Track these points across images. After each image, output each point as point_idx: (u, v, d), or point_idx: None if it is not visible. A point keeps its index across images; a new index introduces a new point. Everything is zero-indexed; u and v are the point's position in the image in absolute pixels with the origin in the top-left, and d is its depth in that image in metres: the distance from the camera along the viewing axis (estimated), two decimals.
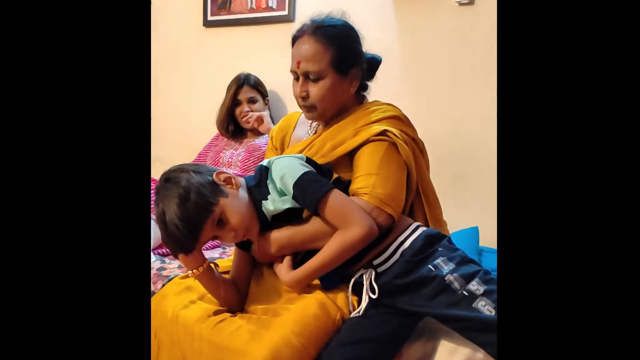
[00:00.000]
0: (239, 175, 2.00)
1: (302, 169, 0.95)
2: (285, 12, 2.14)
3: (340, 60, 1.07)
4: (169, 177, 0.92)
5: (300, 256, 1.01)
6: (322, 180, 0.95)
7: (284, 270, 0.97)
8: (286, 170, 0.95)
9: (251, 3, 2.23)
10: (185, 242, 0.89)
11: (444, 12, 1.84)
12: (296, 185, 0.93)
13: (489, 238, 1.60)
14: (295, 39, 1.11)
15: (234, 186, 0.96)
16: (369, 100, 1.19)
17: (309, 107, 1.10)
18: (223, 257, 1.49)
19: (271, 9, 2.18)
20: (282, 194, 0.95)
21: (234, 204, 0.92)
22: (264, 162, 1.02)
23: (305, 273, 0.95)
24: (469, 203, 1.75)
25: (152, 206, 1.48)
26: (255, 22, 2.23)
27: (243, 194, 0.97)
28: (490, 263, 1.35)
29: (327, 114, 1.12)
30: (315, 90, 1.07)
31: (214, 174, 0.95)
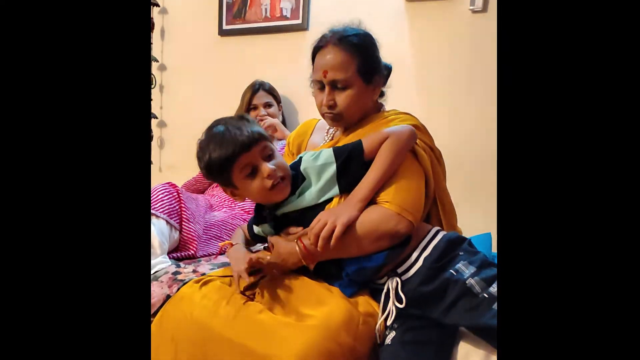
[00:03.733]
0: None
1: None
2: (299, 21, 2.16)
3: (365, 68, 1.09)
4: (246, 117, 1.04)
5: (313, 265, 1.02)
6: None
7: (340, 205, 1.00)
8: (319, 152, 1.04)
9: (265, 12, 2.26)
10: (242, 141, 0.96)
11: (456, 20, 1.85)
12: (334, 150, 1.01)
13: None
14: (317, 49, 1.12)
15: None
16: (386, 109, 1.21)
17: (335, 116, 1.12)
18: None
19: (285, 18, 2.21)
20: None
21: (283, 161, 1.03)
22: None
23: (368, 188, 0.98)
24: (482, 209, 1.74)
25: (170, 209, 1.50)
26: (269, 31, 2.26)
27: None
28: None
29: (352, 121, 1.14)
30: (342, 98, 1.09)
31: None
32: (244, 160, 0.97)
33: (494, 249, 1.58)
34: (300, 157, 1.07)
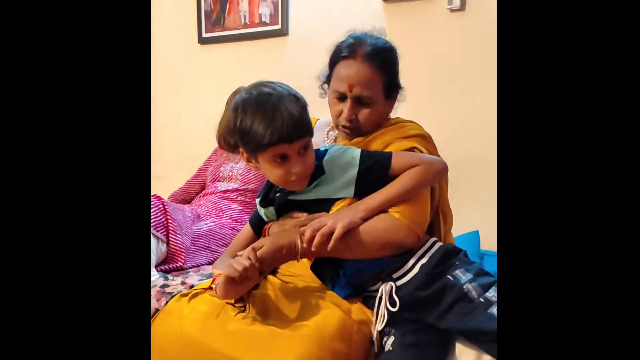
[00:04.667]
0: (240, 189, 1.99)
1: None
2: (279, 26, 2.16)
3: (390, 86, 1.10)
4: (300, 97, 0.96)
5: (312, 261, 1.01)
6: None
7: (346, 208, 0.97)
8: (346, 149, 1.02)
9: (245, 19, 2.25)
10: (289, 132, 0.90)
11: (435, 19, 1.86)
12: (362, 154, 1.00)
13: (489, 241, 1.60)
14: (341, 58, 1.08)
15: None
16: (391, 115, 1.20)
17: (352, 130, 1.10)
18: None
19: (264, 24, 2.21)
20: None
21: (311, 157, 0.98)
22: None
23: (377, 202, 0.97)
24: (469, 207, 1.75)
25: (157, 220, 1.48)
26: (249, 37, 2.25)
27: None
28: (492, 266, 1.35)
29: (365, 134, 1.12)
30: (364, 114, 1.08)
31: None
32: (281, 150, 0.92)
33: (483, 247, 1.59)
34: (326, 149, 1.04)
